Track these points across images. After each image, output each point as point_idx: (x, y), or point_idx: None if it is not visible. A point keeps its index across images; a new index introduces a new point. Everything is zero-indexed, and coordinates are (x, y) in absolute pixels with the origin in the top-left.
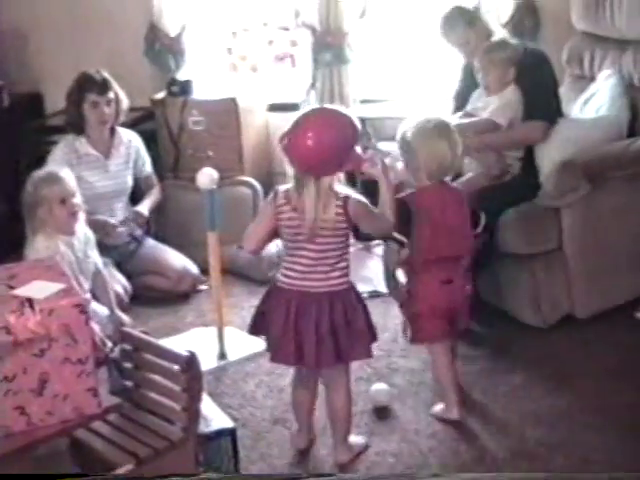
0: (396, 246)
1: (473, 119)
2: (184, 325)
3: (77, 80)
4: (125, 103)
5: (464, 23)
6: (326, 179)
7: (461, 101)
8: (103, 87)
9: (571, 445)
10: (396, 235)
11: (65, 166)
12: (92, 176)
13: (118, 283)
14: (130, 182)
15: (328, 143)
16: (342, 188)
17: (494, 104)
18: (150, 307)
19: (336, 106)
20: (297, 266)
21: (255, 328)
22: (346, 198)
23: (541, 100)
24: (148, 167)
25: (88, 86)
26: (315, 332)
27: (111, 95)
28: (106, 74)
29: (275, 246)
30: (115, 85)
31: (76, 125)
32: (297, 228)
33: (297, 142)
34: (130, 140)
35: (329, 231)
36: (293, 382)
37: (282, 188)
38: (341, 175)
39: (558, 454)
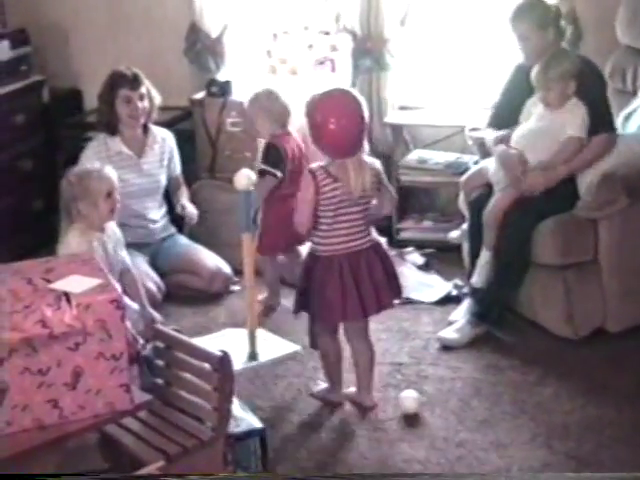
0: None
1: (557, 149)
2: (216, 325)
3: (108, 78)
4: (157, 99)
5: (537, 21)
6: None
7: (496, 116)
8: (135, 82)
9: (600, 459)
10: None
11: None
12: (125, 174)
13: (151, 280)
14: (164, 181)
15: (356, 127)
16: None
17: (563, 119)
18: (182, 306)
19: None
20: (342, 231)
21: (300, 305)
22: (374, 164)
23: (601, 112)
24: (178, 168)
25: (120, 82)
26: (371, 281)
27: (143, 90)
28: (137, 70)
29: None
30: (147, 81)
31: (109, 124)
32: (341, 196)
33: (328, 138)
34: (164, 139)
35: (367, 192)
36: (324, 340)
37: (315, 167)
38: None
39: (587, 467)
